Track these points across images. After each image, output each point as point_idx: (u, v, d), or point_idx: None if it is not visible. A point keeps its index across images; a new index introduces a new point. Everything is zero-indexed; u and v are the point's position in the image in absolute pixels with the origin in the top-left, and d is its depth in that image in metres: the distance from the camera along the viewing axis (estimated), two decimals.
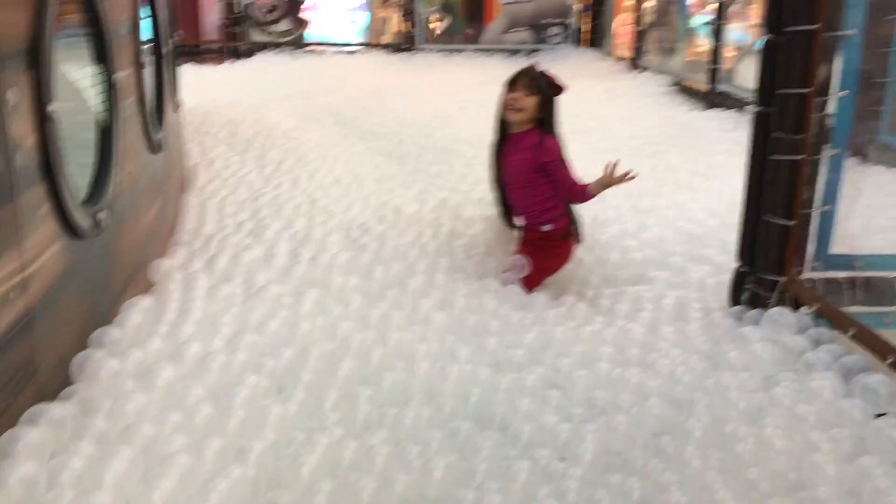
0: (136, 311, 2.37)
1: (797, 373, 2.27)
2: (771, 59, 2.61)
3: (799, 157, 2.57)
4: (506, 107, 3.17)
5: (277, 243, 3.23)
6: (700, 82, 7.71)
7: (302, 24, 10.85)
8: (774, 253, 2.68)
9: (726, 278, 3.09)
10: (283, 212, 3.77)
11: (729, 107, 6.84)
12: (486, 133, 6.06)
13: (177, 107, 4.11)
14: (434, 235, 3.51)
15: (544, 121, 3.16)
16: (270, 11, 10.67)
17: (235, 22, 10.36)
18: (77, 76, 2.32)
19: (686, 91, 7.87)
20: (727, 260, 3.30)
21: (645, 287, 3.09)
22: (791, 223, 2.63)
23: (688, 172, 4.68)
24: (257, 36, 10.66)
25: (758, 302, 2.73)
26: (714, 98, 7.20)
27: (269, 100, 7.59)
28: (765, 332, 2.48)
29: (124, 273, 2.53)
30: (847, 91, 2.73)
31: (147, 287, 2.79)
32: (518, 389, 2.34)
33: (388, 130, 6.15)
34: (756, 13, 10.16)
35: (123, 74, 2.62)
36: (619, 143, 5.89)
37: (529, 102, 3.13)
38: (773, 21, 2.59)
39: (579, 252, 3.43)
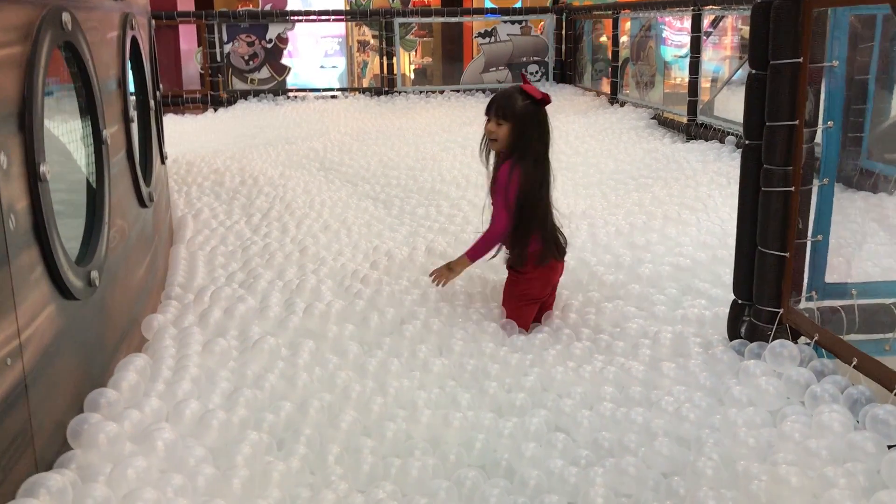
0: (132, 370, 2.32)
1: (804, 406, 2.26)
2: (757, 93, 2.64)
3: (790, 188, 2.58)
4: (486, 138, 3.06)
5: (270, 294, 3.20)
6: (679, 114, 7.81)
7: (282, 70, 10.91)
8: (771, 285, 2.68)
9: (723, 311, 3.08)
10: (273, 261, 3.74)
11: (709, 138, 6.92)
12: (470, 173, 6.14)
13: (163, 159, 4.09)
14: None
15: (517, 146, 2.97)
16: (251, 59, 10.72)
17: (216, 71, 10.40)
18: (66, 133, 2.30)
19: (666, 124, 7.96)
20: (722, 293, 3.30)
21: (642, 322, 3.08)
22: (786, 254, 2.63)
23: (675, 205, 4.70)
24: (238, 84, 10.70)
25: (757, 334, 2.72)
26: (694, 129, 7.28)
27: (253, 147, 7.60)
28: (768, 365, 2.47)
29: (117, 331, 2.49)
30: (832, 122, 2.77)
31: (140, 344, 2.75)
32: (522, 434, 2.31)
33: (373, 174, 6.16)
34: (729, 45, 10.37)
35: (113, 130, 2.61)
36: (604, 178, 5.93)
37: (502, 131, 2.97)
38: (758, 56, 2.62)
39: (575, 289, 3.42)
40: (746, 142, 2.71)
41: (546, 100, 3.01)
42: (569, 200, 5.19)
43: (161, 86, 4.45)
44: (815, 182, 2.72)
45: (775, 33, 2.52)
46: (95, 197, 2.32)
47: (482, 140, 3.11)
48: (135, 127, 2.90)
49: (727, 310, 3.05)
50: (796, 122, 2.55)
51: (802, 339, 2.70)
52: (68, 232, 2.10)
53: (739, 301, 2.84)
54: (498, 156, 3.09)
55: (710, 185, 5.31)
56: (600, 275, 3.49)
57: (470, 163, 6.53)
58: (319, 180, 6.07)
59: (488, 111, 3.02)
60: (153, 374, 2.41)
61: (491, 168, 3.12)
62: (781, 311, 2.68)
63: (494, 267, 3.37)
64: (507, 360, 2.76)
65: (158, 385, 2.33)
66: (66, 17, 2.02)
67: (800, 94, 2.51)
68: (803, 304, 2.79)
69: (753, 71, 2.65)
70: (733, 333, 2.85)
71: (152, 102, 3.46)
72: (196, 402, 2.20)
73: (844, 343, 2.44)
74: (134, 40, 3.10)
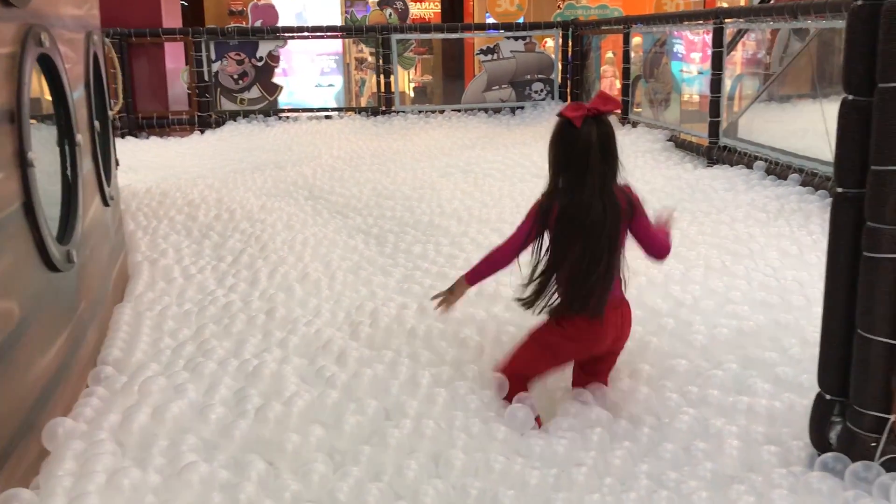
0: None
1: None
2: (856, 126, 1.97)
3: None
4: None
5: (220, 380, 2.50)
6: (699, 136, 7.17)
7: (274, 90, 10.29)
8: (877, 381, 2.00)
9: (798, 402, 2.42)
10: (233, 327, 3.06)
11: (734, 163, 6.28)
12: (473, 204, 5.44)
13: (107, 201, 3.42)
14: (421, 352, 2.81)
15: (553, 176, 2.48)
16: (240, 78, 10.10)
17: (204, 91, 9.78)
18: None
19: (684, 146, 7.32)
20: (792, 372, 2.63)
21: (694, 413, 2.40)
22: None
23: (712, 247, 4.02)
24: (227, 104, 10.08)
25: (857, 446, 2.04)
26: (717, 153, 6.65)
27: (238, 172, 7.02)
28: None
29: None
30: None
31: (38, 461, 2.07)
32: None
33: (365, 204, 5.51)
34: (739, 61, 9.66)
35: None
36: None
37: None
38: (857, 76, 1.96)
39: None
40: (839, 189, 2.05)
41: (574, 120, 2.36)
42: None
43: (109, 112, 3.80)
44: None
45: (887, 46, 1.85)
46: None
47: None
48: (36, 172, 2.22)
49: (802, 399, 2.40)
50: None
51: None
52: None
53: (828, 397, 2.16)
54: None
55: (748, 220, 4.64)
56: (642, 345, 2.82)
57: (472, 192, 5.87)
58: (305, 212, 5.43)
59: None
60: None
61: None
62: (893, 417, 2.00)
63: (501, 344, 2.69)
64: (525, 480, 2.08)
65: None
66: None
67: None
68: None
69: (851, 97, 1.98)
70: (820, 440, 2.17)
71: (79, 137, 2.78)
72: None
73: None
74: (46, 59, 2.44)
